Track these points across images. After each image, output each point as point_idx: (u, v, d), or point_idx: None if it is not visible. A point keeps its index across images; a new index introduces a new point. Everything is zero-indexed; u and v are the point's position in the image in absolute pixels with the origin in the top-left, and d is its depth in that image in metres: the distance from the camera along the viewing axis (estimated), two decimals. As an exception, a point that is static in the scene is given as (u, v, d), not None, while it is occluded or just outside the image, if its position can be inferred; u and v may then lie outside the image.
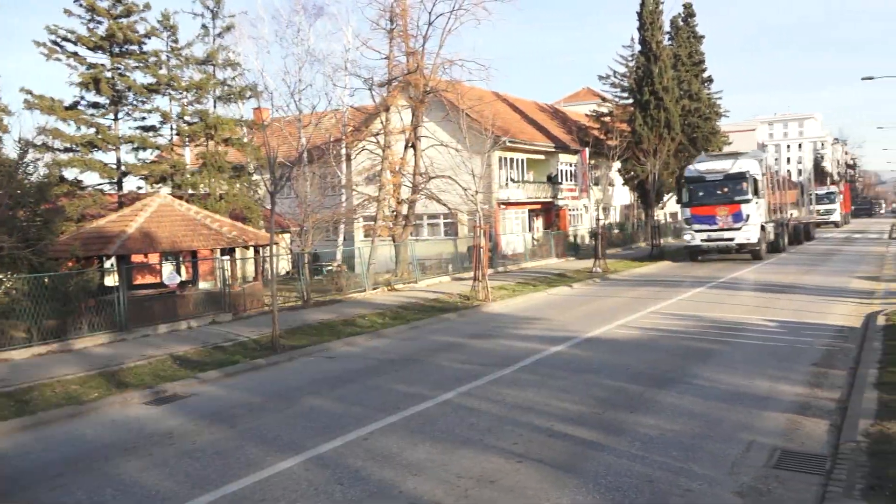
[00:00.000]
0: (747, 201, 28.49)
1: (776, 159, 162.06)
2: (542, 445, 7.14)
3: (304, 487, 6.33)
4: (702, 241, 29.35)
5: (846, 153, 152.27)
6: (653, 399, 8.69)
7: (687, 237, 29.97)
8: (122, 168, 24.30)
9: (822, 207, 62.80)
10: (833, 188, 70.16)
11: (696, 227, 29.37)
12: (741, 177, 28.73)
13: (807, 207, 48.05)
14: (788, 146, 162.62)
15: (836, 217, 64.54)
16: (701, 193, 29.43)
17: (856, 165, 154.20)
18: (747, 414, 7.91)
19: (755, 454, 6.64)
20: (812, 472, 6.16)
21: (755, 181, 28.78)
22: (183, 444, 7.84)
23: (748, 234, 28.33)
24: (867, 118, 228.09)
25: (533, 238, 37.27)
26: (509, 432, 7.61)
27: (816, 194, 64.67)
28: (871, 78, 50.60)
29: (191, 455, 7.43)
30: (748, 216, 28.47)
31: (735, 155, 31.67)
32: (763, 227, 29.27)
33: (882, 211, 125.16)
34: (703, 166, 30.17)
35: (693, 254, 30.53)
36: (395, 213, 27.91)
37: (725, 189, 28.95)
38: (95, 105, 23.89)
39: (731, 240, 28.74)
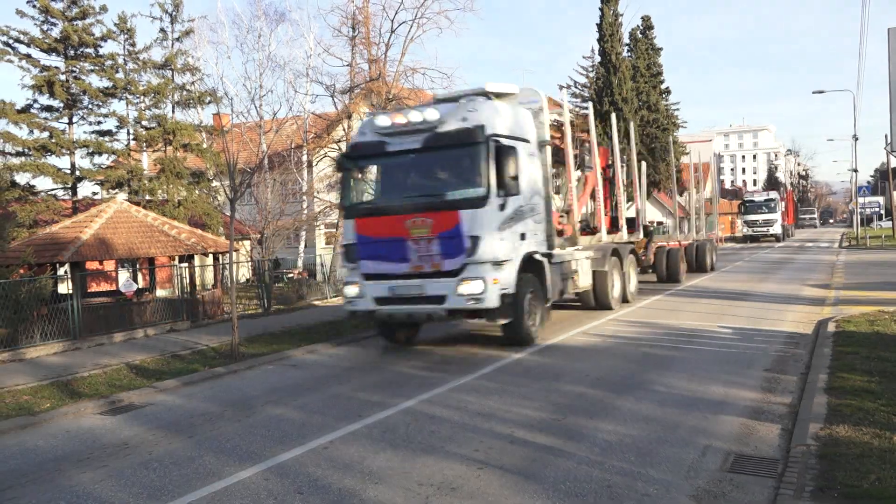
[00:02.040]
0: (479, 202, 11.82)
1: (732, 169, 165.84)
2: (502, 452, 7.18)
3: (264, 497, 6.27)
4: (376, 301, 12.62)
5: (799, 164, 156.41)
6: (612, 405, 8.81)
7: (349, 291, 12.96)
8: (77, 173, 23.83)
9: (759, 218, 54.40)
10: (772, 194, 57.81)
11: (369, 267, 12.74)
12: (466, 138, 12.00)
13: (695, 219, 30.48)
14: (744, 157, 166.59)
15: (776, 229, 54.21)
16: (380, 188, 13.56)
17: (808, 176, 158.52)
18: (703, 419, 8.08)
19: (710, 458, 6.78)
20: (765, 475, 6.31)
21: (503, 152, 11.97)
22: (139, 455, 7.69)
23: (473, 285, 11.80)
24: (818, 131, 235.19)
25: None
26: (470, 439, 7.64)
27: (751, 202, 55.83)
28: (821, 92, 52.44)
29: (147, 466, 7.30)
30: (474, 241, 11.83)
31: (459, 97, 13.63)
32: (535, 266, 13.26)
33: (832, 220, 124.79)
34: (386, 120, 12.70)
35: (385, 326, 13.79)
36: (357, 221, 27.79)
37: (436, 173, 12.70)
38: (49, 108, 23.42)
39: (438, 301, 12.09)
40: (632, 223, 21.90)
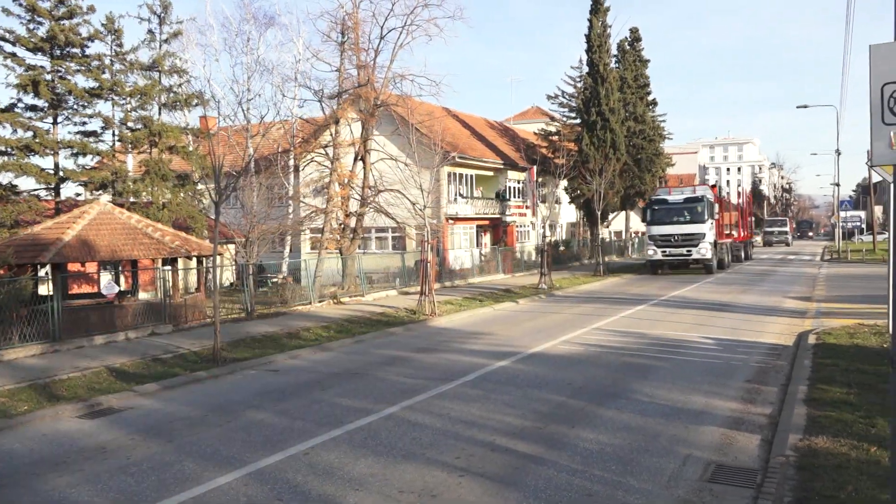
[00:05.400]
0: None
1: (717, 181, 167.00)
2: (484, 459, 7.18)
3: (243, 503, 6.22)
4: None
5: (782, 177, 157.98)
6: (594, 414, 8.84)
7: None
8: (61, 174, 23.62)
9: (676, 232, 33.33)
10: (700, 191, 35.25)
11: None
12: None
13: None
14: (728, 169, 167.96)
15: (704, 251, 32.87)
16: None
17: (791, 189, 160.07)
18: (684, 429, 8.12)
19: (691, 468, 6.81)
20: (744, 485, 6.35)
21: None
22: (117, 459, 7.61)
23: None
24: (802, 144, 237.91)
25: (480, 253, 37.54)
26: (452, 446, 7.63)
27: (662, 203, 34.31)
28: (805, 106, 53.02)
29: (125, 470, 7.22)
30: None
31: None
32: None
33: (811, 234, 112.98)
34: None
35: None
36: (342, 226, 27.77)
37: None
38: (33, 108, 23.21)
39: None
40: None
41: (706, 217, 33.11)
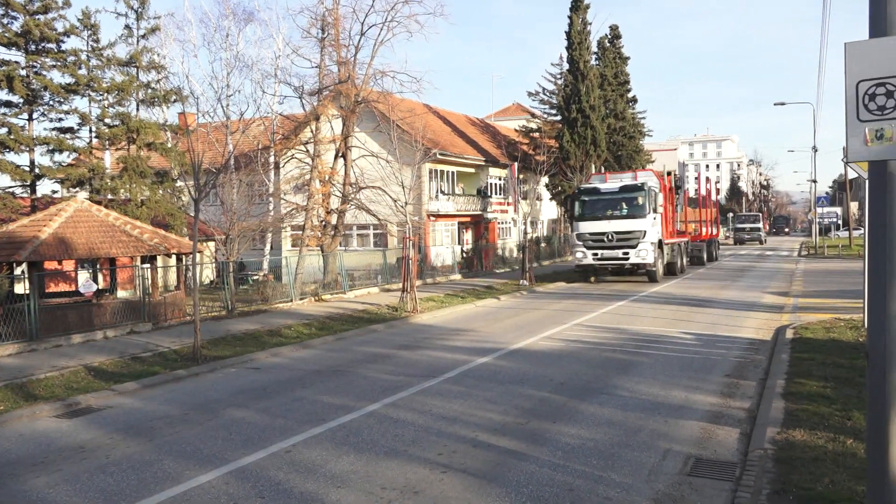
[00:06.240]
0: None
1: (696, 178, 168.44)
2: (466, 456, 7.19)
3: (224, 501, 6.18)
4: None
5: (760, 174, 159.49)
6: (575, 409, 8.88)
7: None
8: (36, 171, 23.31)
9: (609, 229, 26.46)
10: (643, 177, 28.78)
11: None
12: None
13: None
14: (707, 166, 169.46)
15: (644, 255, 25.99)
16: None
17: (769, 186, 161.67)
18: (664, 423, 8.18)
19: (671, 462, 6.87)
20: (723, 478, 6.42)
21: None
22: (96, 459, 7.53)
23: None
24: (780, 141, 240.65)
25: (462, 250, 37.56)
26: (434, 443, 7.64)
27: (592, 192, 27.57)
28: (782, 104, 53.54)
29: (104, 470, 7.15)
30: None
31: None
32: None
33: (787, 230, 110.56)
34: None
35: None
36: (323, 223, 27.66)
37: None
38: (8, 104, 22.89)
39: None
40: None
41: (647, 210, 26.30)
